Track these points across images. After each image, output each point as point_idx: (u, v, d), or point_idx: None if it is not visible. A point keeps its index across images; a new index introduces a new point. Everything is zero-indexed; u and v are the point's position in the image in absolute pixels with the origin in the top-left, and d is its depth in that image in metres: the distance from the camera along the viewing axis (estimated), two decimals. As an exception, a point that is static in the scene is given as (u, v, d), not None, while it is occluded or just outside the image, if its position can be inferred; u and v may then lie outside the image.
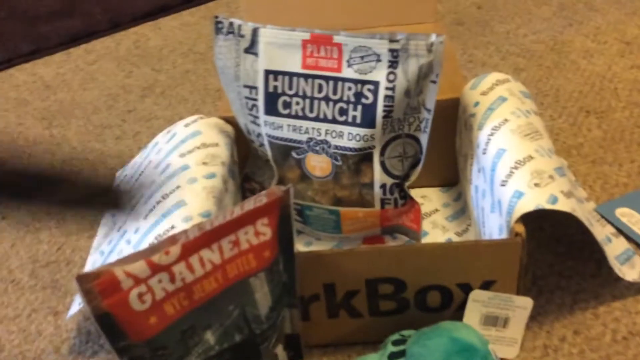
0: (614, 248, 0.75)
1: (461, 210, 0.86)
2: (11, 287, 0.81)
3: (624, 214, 0.82)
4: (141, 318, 0.54)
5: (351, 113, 0.73)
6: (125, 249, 0.71)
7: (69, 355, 0.72)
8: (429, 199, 0.88)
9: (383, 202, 0.78)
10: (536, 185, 0.66)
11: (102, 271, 0.52)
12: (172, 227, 0.66)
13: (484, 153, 0.74)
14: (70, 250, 0.86)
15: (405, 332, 0.63)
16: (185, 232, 0.56)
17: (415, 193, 0.88)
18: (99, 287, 0.52)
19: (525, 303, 0.64)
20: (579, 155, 0.94)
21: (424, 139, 0.74)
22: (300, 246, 0.83)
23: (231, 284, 0.59)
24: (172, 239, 0.56)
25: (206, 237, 0.57)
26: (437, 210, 0.87)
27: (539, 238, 0.80)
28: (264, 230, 0.60)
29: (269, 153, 0.79)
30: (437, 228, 0.84)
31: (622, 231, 0.79)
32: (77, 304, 0.71)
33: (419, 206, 0.79)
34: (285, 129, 0.76)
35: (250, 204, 0.59)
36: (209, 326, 0.58)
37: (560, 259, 0.77)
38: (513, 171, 0.68)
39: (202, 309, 0.57)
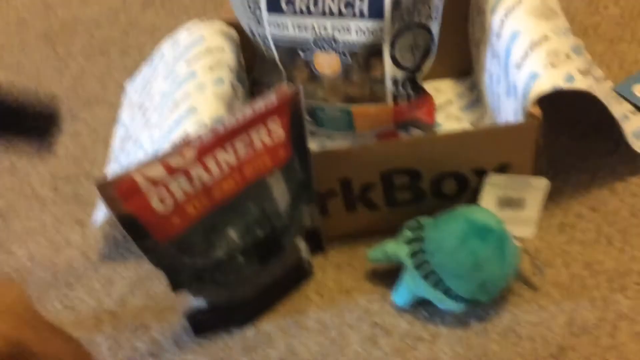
0: (632, 124, 0.74)
1: (476, 99, 0.84)
2: (35, 201, 0.83)
3: (641, 90, 0.80)
4: (163, 219, 0.55)
5: (358, 5, 0.70)
6: (142, 159, 0.71)
7: (98, 262, 0.74)
8: (443, 91, 0.87)
9: (395, 97, 0.77)
10: (552, 65, 0.64)
11: (121, 176, 0.53)
12: (186, 134, 0.66)
13: (498, 37, 0.71)
14: (89, 164, 0.87)
15: (422, 219, 0.64)
16: (199, 135, 0.57)
17: (428, 85, 0.87)
18: (119, 191, 0.53)
19: (541, 183, 0.64)
20: (596, 34, 0.91)
21: (435, 27, 0.72)
22: (314, 147, 0.83)
23: (249, 183, 0.59)
24: (187, 143, 0.56)
25: (220, 139, 0.57)
26: (451, 101, 0.86)
27: (555, 119, 0.79)
28: (277, 129, 0.60)
29: (276, 55, 0.78)
30: (451, 119, 0.83)
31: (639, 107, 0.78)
32: (102, 212, 0.73)
33: (432, 99, 0.78)
34: (290, 28, 0.74)
35: (261, 104, 0.59)
36: (231, 224, 0.59)
37: (576, 139, 0.77)
38: (528, 53, 0.66)
39: (222, 209, 0.58)
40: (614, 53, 0.87)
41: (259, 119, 0.59)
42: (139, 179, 0.54)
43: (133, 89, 0.87)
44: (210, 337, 0.65)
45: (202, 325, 0.64)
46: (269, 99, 0.59)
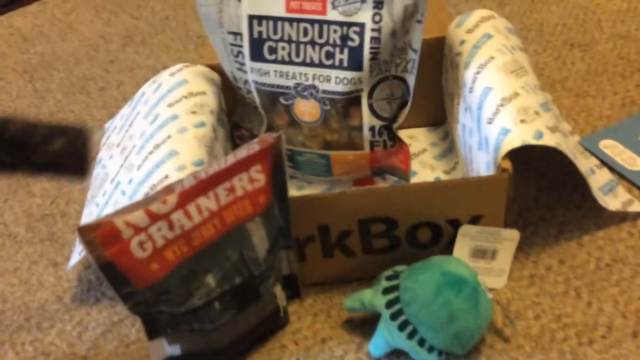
0: (598, 179, 0.77)
1: (449, 148, 0.87)
2: (8, 241, 0.82)
3: (607, 145, 0.84)
4: (143, 265, 0.56)
5: (338, 56, 0.73)
6: (120, 200, 0.71)
7: (71, 304, 0.73)
8: (417, 139, 0.89)
9: (372, 144, 0.79)
10: (522, 121, 0.67)
11: (103, 222, 0.53)
12: (166, 177, 0.67)
13: (471, 92, 0.74)
14: (64, 203, 0.87)
15: (398, 268, 0.65)
16: (181, 181, 0.57)
17: (403, 133, 0.89)
18: (101, 237, 0.53)
19: (512, 235, 0.67)
20: (564, 89, 0.95)
21: (411, 79, 0.75)
22: (292, 190, 0.85)
23: (229, 230, 0.60)
24: (169, 189, 0.57)
25: (202, 185, 0.58)
26: (425, 149, 0.88)
27: (525, 172, 0.82)
28: (258, 176, 0.61)
29: (257, 100, 0.79)
30: (425, 167, 0.85)
31: (605, 162, 0.81)
32: (77, 254, 0.73)
33: (407, 147, 0.80)
34: (272, 74, 0.76)
35: (243, 151, 0.60)
36: (209, 270, 0.60)
37: (545, 191, 0.79)
38: (499, 109, 0.69)
39: (201, 254, 0.59)
40: (581, 107, 0.91)
41: (241, 166, 0.60)
42: (120, 225, 0.54)
43: (112, 129, 0.88)
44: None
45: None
46: (251, 147, 0.61)
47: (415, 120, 0.89)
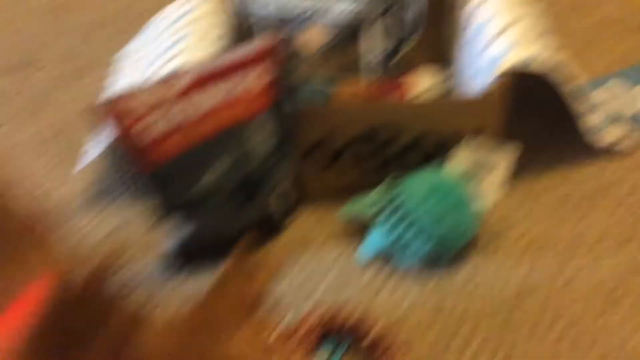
0: (592, 118, 0.79)
1: (450, 90, 0.89)
2: (23, 153, 0.85)
3: (605, 90, 0.85)
4: (145, 150, 0.58)
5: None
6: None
7: (80, 210, 0.76)
8: (421, 80, 0.91)
9: (372, 78, 0.81)
10: (522, 43, 0.69)
11: (105, 103, 0.56)
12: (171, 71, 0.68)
13: (473, 23, 0.76)
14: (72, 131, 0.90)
15: (394, 176, 0.67)
16: (184, 71, 0.59)
17: (407, 74, 0.91)
18: (113, 114, 0.55)
19: (510, 151, 0.68)
20: (563, 45, 0.96)
21: (412, 11, 0.77)
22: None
23: (228, 129, 0.62)
24: (171, 78, 0.58)
25: (203, 79, 0.59)
26: (426, 90, 0.90)
27: (523, 108, 0.83)
28: (259, 78, 0.62)
29: (261, 32, 0.81)
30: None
31: (602, 105, 0.83)
32: (87, 159, 0.75)
33: (406, 85, 0.82)
34: (274, 6, 0.78)
35: (244, 50, 0.61)
36: (210, 164, 0.62)
37: (539, 130, 0.81)
38: (500, 33, 0.71)
39: (202, 148, 0.61)
40: (580, 61, 0.93)
41: (243, 65, 0.61)
42: (126, 106, 0.56)
43: (122, 58, 0.90)
44: (182, 275, 0.67)
45: (181, 259, 0.66)
46: (251, 46, 0.62)
47: (417, 61, 0.91)
